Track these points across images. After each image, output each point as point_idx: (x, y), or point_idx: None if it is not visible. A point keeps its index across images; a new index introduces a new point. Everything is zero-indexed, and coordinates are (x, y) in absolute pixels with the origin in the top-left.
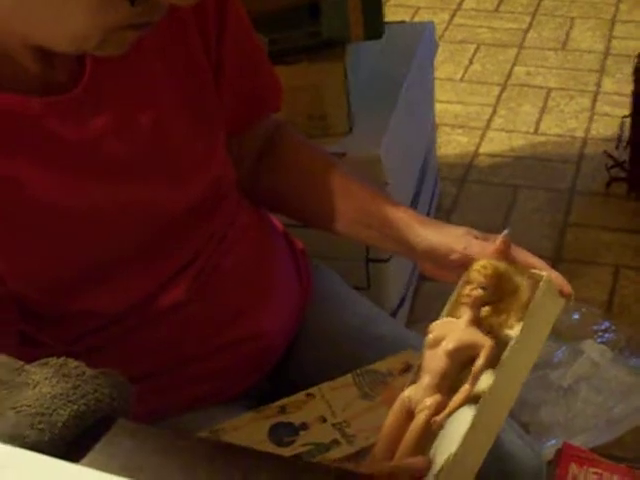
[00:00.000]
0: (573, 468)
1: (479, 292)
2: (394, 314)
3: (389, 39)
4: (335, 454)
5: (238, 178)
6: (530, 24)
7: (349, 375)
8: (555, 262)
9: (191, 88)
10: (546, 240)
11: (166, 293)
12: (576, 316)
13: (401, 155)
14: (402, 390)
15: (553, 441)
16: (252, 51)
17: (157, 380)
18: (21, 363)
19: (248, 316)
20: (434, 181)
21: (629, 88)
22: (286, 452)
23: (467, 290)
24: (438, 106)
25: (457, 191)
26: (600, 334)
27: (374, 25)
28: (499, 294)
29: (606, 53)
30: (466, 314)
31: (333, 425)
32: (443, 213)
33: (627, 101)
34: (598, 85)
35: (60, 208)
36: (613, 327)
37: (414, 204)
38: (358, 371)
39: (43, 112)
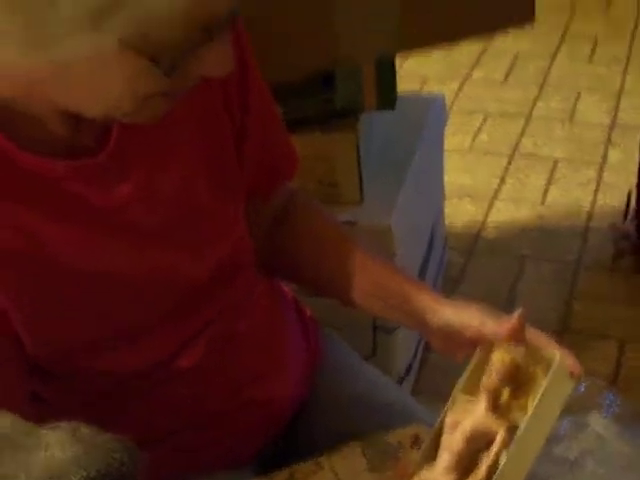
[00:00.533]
0: None
1: (497, 383)
2: (400, 383)
3: (400, 109)
4: None
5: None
6: (537, 95)
7: (358, 447)
8: (561, 334)
9: (214, 156)
10: (552, 312)
11: (181, 356)
12: (581, 388)
13: (410, 225)
14: (412, 465)
15: None
16: (272, 122)
17: (168, 443)
18: (33, 425)
19: (260, 381)
20: (442, 250)
21: (635, 160)
22: None
23: (486, 379)
24: (446, 176)
25: (464, 261)
26: (605, 407)
27: (387, 95)
28: (517, 382)
29: (612, 125)
30: (484, 400)
31: None
32: (450, 282)
33: (633, 173)
34: (604, 157)
35: (82, 272)
36: (618, 400)
37: (422, 273)
38: (367, 442)
39: (68, 175)
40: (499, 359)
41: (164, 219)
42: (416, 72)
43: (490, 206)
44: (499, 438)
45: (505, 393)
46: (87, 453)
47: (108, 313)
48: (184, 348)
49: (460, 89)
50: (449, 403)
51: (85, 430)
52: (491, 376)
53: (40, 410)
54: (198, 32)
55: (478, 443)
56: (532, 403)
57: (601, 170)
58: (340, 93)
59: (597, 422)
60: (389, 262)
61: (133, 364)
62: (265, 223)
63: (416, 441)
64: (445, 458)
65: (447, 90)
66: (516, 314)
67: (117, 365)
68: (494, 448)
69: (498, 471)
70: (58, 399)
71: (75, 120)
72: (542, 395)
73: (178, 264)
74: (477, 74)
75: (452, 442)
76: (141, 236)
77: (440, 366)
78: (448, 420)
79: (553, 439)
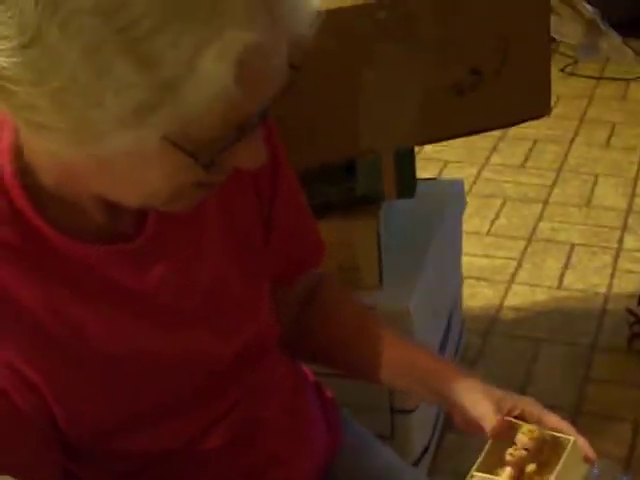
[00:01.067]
0: None
1: (523, 453)
2: (416, 463)
3: (420, 194)
4: None
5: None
6: (555, 180)
7: None
8: (575, 416)
9: (245, 245)
10: (567, 394)
11: (205, 439)
12: (595, 471)
13: (429, 308)
14: None
15: None
16: (300, 213)
17: None
18: None
19: (282, 463)
20: (459, 333)
21: None
22: None
23: (512, 450)
24: (464, 259)
25: (481, 343)
26: None
27: (407, 184)
28: (539, 459)
29: (628, 210)
30: (507, 472)
31: None
32: (467, 364)
33: None
34: (620, 242)
35: (113, 353)
36: None
37: (440, 354)
38: None
39: (104, 260)
40: (527, 431)
41: (196, 304)
42: (436, 157)
43: (507, 289)
44: None
45: (529, 468)
46: None
47: (137, 394)
48: (209, 430)
49: (479, 174)
50: None
51: None
52: (517, 449)
53: None
54: (233, 131)
55: None
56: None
57: (617, 255)
58: (361, 182)
59: None
60: (414, 341)
61: (159, 445)
62: (291, 306)
63: None
64: None
65: (466, 174)
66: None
67: (144, 446)
68: None
69: None
70: (88, 476)
71: (113, 207)
72: (558, 472)
73: (206, 348)
74: (495, 159)
75: None
76: (172, 320)
77: (457, 446)
78: None
79: None
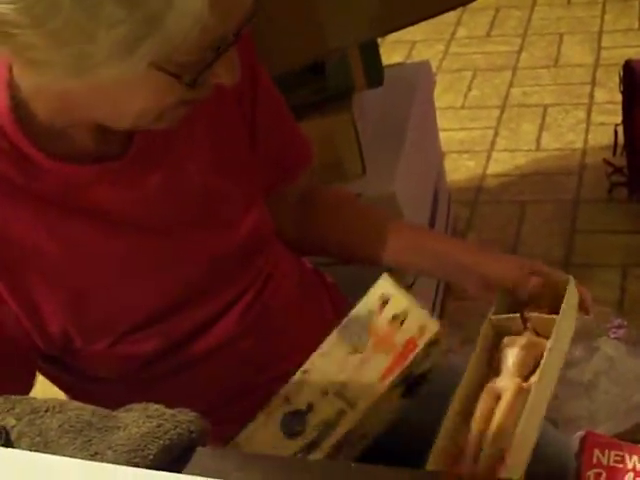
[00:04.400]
0: (597, 453)
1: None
2: None
3: (389, 81)
4: (342, 428)
5: (279, 231)
6: (521, 45)
7: (334, 333)
8: (566, 267)
9: (228, 145)
10: (556, 248)
11: (216, 327)
12: (590, 316)
13: (414, 188)
14: (387, 328)
15: (580, 432)
16: (282, 116)
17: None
18: (109, 410)
19: (295, 351)
20: (447, 207)
21: (620, 96)
22: (300, 442)
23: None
24: (443, 134)
25: (470, 213)
26: (614, 331)
27: (374, 74)
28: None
29: (596, 65)
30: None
31: (335, 394)
32: (459, 235)
33: (620, 109)
34: (591, 96)
35: (117, 259)
36: (625, 323)
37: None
38: (342, 324)
39: (95, 179)
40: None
41: (188, 204)
42: (403, 39)
43: (488, 158)
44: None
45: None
46: (159, 426)
47: (147, 293)
48: (222, 317)
49: (447, 49)
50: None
51: (153, 407)
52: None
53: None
54: (211, 52)
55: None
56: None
57: (589, 110)
58: (331, 79)
59: (607, 345)
60: (419, 224)
61: (174, 338)
62: (292, 203)
63: (386, 301)
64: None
65: (434, 52)
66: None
67: (159, 341)
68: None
69: (534, 384)
70: (103, 387)
71: (102, 132)
72: (562, 311)
73: (203, 243)
74: (461, 32)
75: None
76: (169, 222)
77: (460, 312)
78: (506, 339)
79: (567, 365)
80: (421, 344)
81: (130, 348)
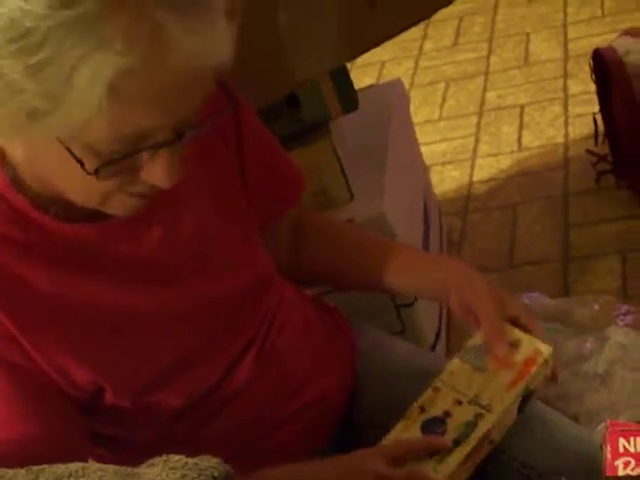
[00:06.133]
0: (622, 442)
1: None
2: (433, 349)
3: (364, 104)
4: (484, 425)
5: (277, 264)
6: (489, 49)
7: (456, 359)
8: (565, 262)
9: (224, 188)
10: (553, 244)
11: (233, 376)
12: (596, 307)
13: (403, 206)
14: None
15: (602, 424)
16: (271, 151)
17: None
18: (131, 468)
19: (311, 383)
20: (438, 220)
21: (593, 85)
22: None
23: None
24: (425, 148)
25: (462, 223)
26: (621, 318)
27: (348, 99)
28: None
29: (565, 58)
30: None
31: (469, 402)
32: (454, 246)
33: (595, 98)
34: (565, 90)
35: (124, 318)
36: (632, 309)
37: (425, 246)
38: (460, 353)
39: (102, 236)
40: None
41: (190, 256)
42: (372, 60)
43: (472, 165)
44: None
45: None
46: (184, 477)
47: (157, 351)
48: (234, 368)
49: (417, 64)
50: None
51: (175, 458)
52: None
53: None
54: (127, 145)
55: None
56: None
57: (566, 103)
58: (306, 109)
59: (616, 333)
60: (409, 244)
61: (189, 393)
62: (284, 239)
63: None
64: None
65: (404, 69)
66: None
67: (176, 396)
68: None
69: None
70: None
71: None
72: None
73: (206, 290)
74: (428, 46)
75: None
76: (173, 274)
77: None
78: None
79: (580, 359)
80: (540, 361)
81: (155, 403)
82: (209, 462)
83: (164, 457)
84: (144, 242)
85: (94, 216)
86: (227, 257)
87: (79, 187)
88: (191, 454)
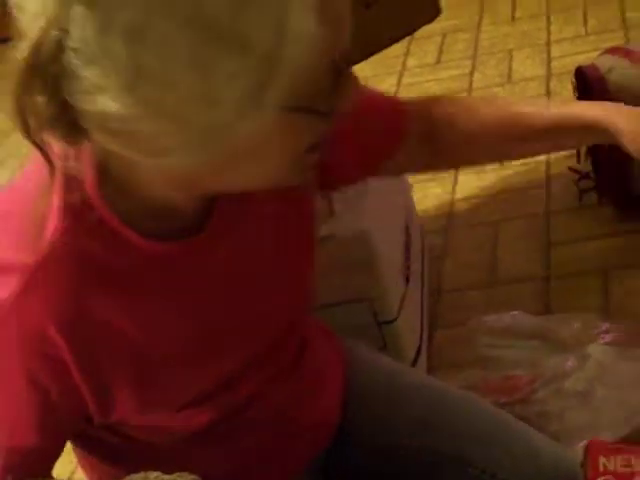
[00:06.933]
0: (602, 460)
1: None
2: (414, 364)
3: None
4: None
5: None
6: (473, 66)
7: None
8: (546, 281)
9: (292, 219)
10: (534, 263)
11: (269, 393)
12: (577, 325)
13: (385, 223)
14: None
15: (583, 442)
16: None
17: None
18: None
19: (318, 400)
20: (420, 237)
21: None
22: None
23: None
24: None
25: (443, 240)
26: (602, 336)
27: None
28: None
29: (548, 75)
30: None
31: None
32: (436, 262)
33: None
34: None
35: (187, 340)
36: (613, 327)
37: (406, 261)
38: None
39: (181, 254)
40: None
41: (248, 283)
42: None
43: (454, 182)
44: None
45: None
46: None
47: (207, 372)
48: (270, 386)
49: (399, 81)
50: None
51: (153, 475)
52: None
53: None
54: (332, 74)
55: None
56: None
57: None
58: None
59: (597, 351)
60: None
61: (218, 413)
62: (414, 149)
63: None
64: None
65: (387, 85)
66: None
67: (206, 416)
68: None
69: None
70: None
71: (209, 202)
72: None
73: (267, 318)
74: (411, 62)
75: None
76: (231, 301)
77: (447, 340)
78: None
79: (561, 377)
80: None
81: (184, 420)
82: (186, 479)
83: (142, 474)
84: (214, 264)
85: (174, 233)
86: (285, 287)
87: (273, 162)
88: (197, 467)
